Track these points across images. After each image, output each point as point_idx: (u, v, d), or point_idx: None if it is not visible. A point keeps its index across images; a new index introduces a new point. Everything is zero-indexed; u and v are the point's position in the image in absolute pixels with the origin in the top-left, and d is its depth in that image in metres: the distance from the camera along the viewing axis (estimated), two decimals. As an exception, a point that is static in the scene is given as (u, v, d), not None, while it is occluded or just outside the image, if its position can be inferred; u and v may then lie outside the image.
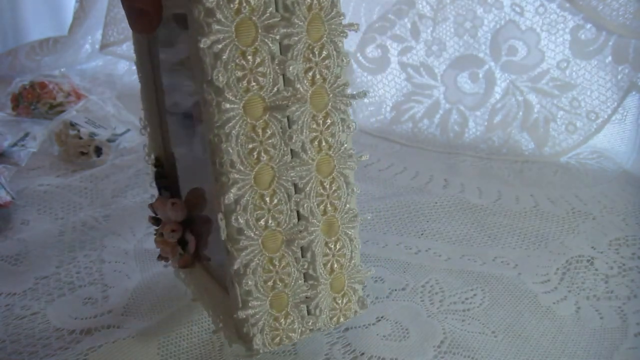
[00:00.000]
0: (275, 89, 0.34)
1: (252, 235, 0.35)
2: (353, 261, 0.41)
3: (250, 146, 0.34)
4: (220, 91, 0.33)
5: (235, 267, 0.35)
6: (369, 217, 0.47)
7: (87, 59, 1.25)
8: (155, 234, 0.48)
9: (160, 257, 0.50)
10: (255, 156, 0.34)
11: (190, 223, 0.46)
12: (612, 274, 0.59)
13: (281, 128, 0.35)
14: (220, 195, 0.34)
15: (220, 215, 0.35)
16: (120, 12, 1.11)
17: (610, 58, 0.84)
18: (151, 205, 0.49)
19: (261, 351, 0.37)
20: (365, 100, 0.98)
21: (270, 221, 0.36)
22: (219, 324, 0.40)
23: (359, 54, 0.97)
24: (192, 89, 0.37)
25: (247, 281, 0.35)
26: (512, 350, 0.48)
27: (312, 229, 0.37)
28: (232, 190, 0.34)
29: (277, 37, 0.33)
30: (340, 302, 0.41)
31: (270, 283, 0.36)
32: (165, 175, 0.48)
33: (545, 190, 0.78)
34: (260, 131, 0.34)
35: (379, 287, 0.55)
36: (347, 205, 0.39)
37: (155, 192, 0.50)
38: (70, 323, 0.48)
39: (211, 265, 0.45)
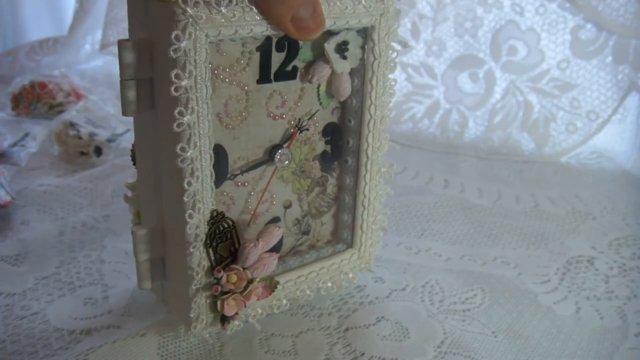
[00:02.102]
0: None
1: None
2: None
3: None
4: None
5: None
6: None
7: (87, 59, 1.25)
8: (224, 297, 0.42)
9: (227, 322, 0.44)
10: None
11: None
12: (612, 274, 0.59)
13: None
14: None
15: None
16: (120, 12, 1.11)
17: (610, 58, 0.84)
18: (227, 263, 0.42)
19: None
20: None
21: None
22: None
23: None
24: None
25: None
26: (512, 350, 0.48)
27: None
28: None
29: None
30: None
31: None
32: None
33: (545, 190, 0.78)
34: None
35: (379, 287, 0.55)
36: None
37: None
38: (70, 323, 0.48)
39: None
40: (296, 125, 0.45)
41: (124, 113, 0.39)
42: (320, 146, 0.48)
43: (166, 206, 0.42)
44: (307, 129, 0.46)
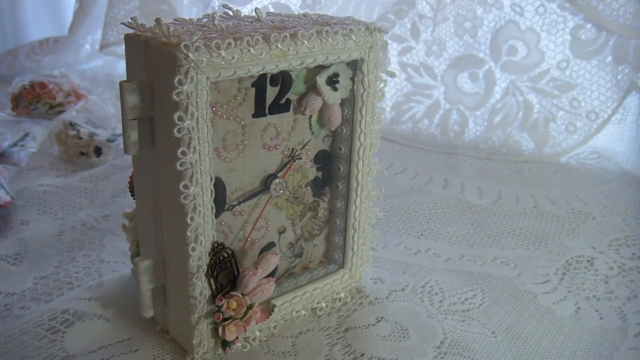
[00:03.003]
0: None
1: None
2: None
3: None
4: None
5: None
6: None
7: (87, 59, 1.25)
8: (225, 323, 0.43)
9: (229, 347, 0.44)
10: None
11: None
12: (612, 274, 0.59)
13: None
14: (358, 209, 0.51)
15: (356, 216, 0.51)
16: (120, 12, 1.11)
17: (610, 58, 0.84)
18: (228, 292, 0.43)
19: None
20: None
21: None
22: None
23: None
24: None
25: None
26: (512, 350, 0.48)
27: None
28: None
29: None
30: None
31: None
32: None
33: (545, 190, 0.78)
34: None
35: (378, 288, 0.55)
36: None
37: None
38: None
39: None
40: (290, 155, 0.47)
41: (126, 151, 0.41)
42: (312, 173, 0.49)
43: (167, 238, 0.43)
44: (300, 158, 0.47)
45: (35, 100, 0.94)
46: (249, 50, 0.39)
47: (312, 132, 0.48)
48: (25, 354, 0.44)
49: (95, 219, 0.64)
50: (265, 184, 0.46)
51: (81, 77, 1.07)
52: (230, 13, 0.45)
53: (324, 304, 0.51)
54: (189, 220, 0.40)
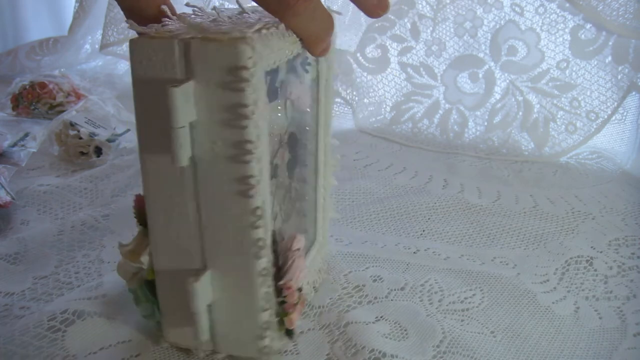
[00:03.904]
0: None
1: None
2: None
3: None
4: None
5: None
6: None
7: (87, 59, 1.25)
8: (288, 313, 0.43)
9: (292, 335, 0.45)
10: None
11: None
12: (611, 274, 0.59)
13: None
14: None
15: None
16: (120, 12, 1.11)
17: (610, 58, 0.84)
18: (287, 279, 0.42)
19: None
20: (365, 100, 0.98)
21: None
22: None
23: (358, 54, 0.97)
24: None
25: None
26: (511, 350, 0.48)
27: None
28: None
29: None
30: None
31: None
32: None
33: (545, 190, 0.78)
34: None
35: (377, 287, 0.55)
36: None
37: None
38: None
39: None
40: (279, 141, 0.46)
41: (177, 163, 0.36)
42: (287, 156, 0.48)
43: (218, 251, 0.40)
44: (286, 142, 0.48)
45: (35, 100, 0.95)
46: (283, 37, 0.38)
47: (287, 116, 0.48)
48: (25, 353, 0.44)
49: (95, 219, 0.64)
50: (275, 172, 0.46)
51: (81, 77, 1.07)
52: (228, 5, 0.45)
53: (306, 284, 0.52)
54: (260, 234, 0.38)
